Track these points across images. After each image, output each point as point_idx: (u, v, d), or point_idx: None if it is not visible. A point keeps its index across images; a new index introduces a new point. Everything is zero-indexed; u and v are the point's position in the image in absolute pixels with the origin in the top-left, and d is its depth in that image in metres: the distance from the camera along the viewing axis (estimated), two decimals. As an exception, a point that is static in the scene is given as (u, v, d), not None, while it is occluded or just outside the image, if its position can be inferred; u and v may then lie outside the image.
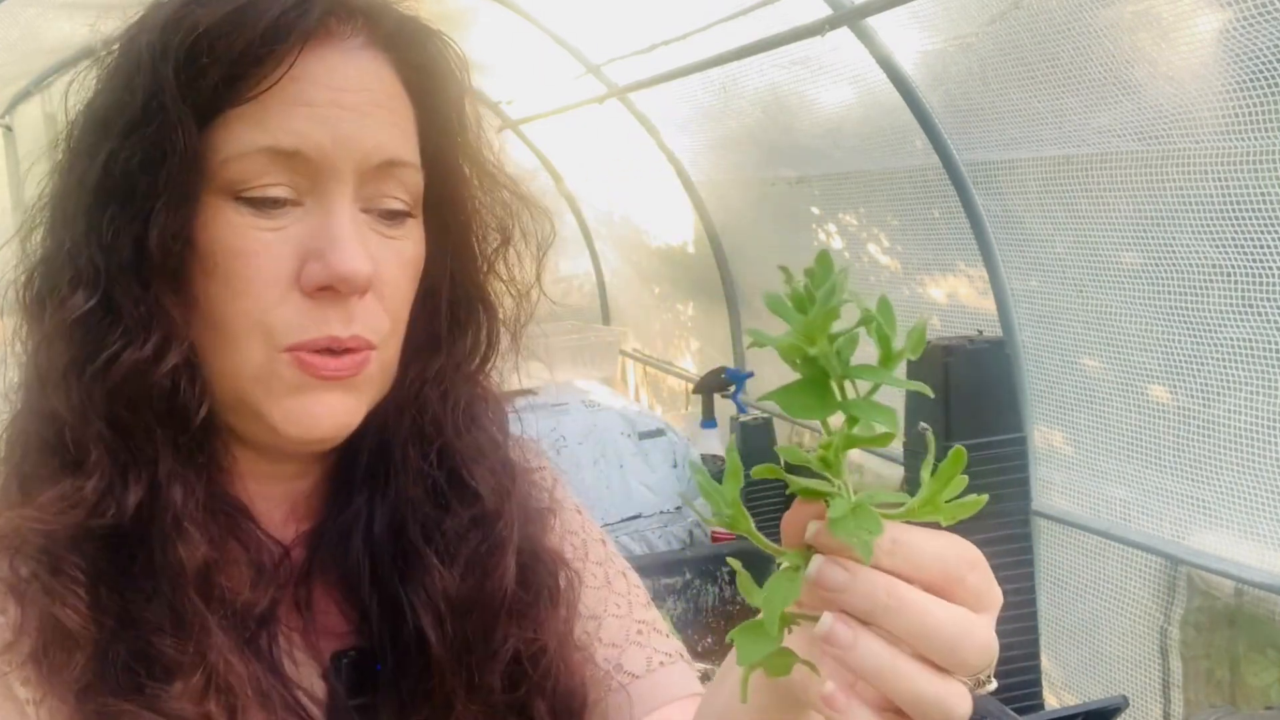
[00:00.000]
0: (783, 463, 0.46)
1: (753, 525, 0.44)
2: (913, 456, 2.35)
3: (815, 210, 3.30)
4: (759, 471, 0.46)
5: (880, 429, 0.43)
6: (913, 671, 0.41)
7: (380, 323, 0.65)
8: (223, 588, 0.63)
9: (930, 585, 0.43)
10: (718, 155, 3.72)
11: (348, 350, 0.64)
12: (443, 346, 0.73)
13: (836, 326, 0.42)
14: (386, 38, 0.66)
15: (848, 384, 0.43)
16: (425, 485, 0.71)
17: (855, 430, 0.43)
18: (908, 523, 0.44)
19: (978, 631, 0.42)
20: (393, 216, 0.66)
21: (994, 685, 0.45)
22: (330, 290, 0.62)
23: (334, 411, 0.64)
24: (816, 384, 0.42)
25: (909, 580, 0.42)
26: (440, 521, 0.71)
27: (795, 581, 0.43)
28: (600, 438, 2.89)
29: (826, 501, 0.43)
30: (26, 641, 0.58)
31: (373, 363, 0.65)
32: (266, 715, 0.62)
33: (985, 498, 0.45)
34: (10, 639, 0.58)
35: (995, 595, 0.45)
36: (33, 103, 4.09)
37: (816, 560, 0.43)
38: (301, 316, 0.62)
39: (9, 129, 4.08)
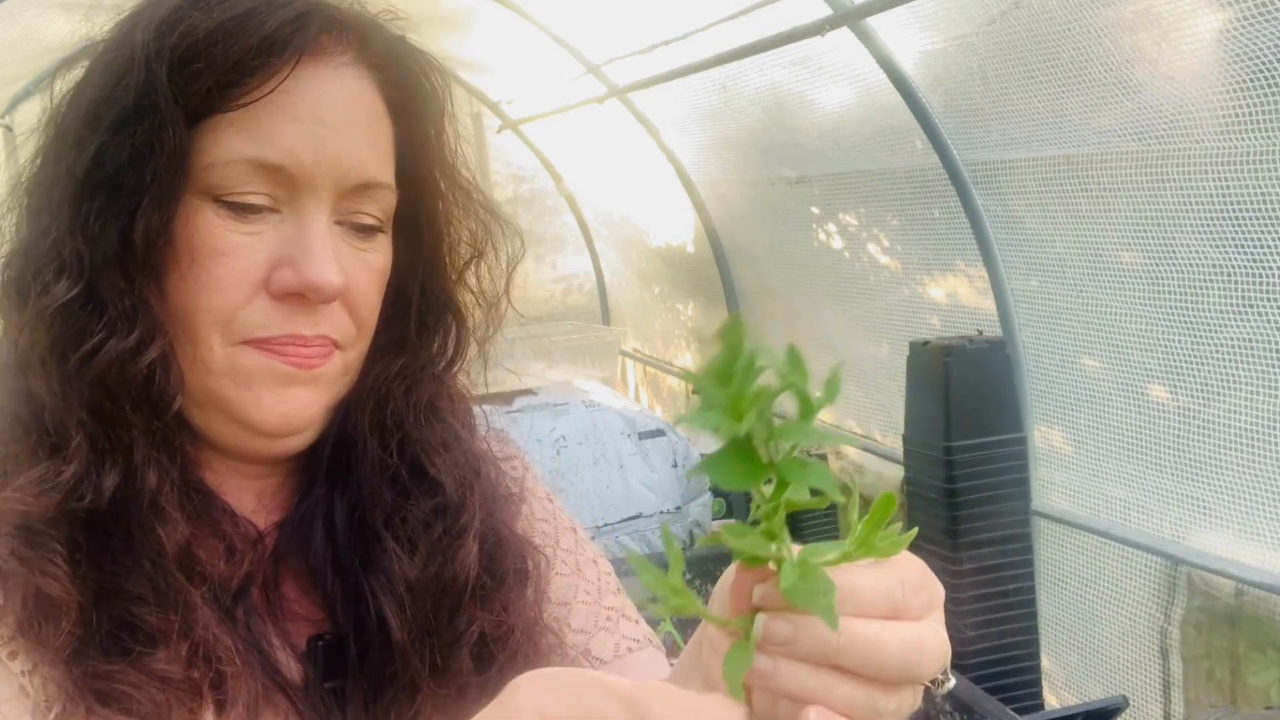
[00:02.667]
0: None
1: (701, 605, 0.45)
2: (912, 457, 2.35)
3: (815, 210, 3.30)
4: (705, 542, 0.47)
5: (815, 489, 0.43)
6: (863, 696, 0.43)
7: (346, 327, 0.68)
8: (203, 563, 0.64)
9: (878, 616, 0.44)
10: (718, 155, 3.72)
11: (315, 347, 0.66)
12: (409, 348, 0.75)
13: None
14: (374, 57, 0.68)
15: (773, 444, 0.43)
16: (386, 475, 0.73)
17: (789, 494, 0.43)
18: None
19: (928, 645, 0.44)
20: (364, 230, 0.68)
21: (952, 683, 0.47)
22: (299, 297, 0.64)
23: (300, 402, 0.66)
24: (743, 450, 0.43)
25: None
26: (401, 510, 0.72)
27: (748, 649, 0.44)
28: (600, 438, 2.89)
29: (775, 566, 0.44)
30: (12, 616, 0.59)
31: (336, 360, 0.68)
32: (250, 685, 0.63)
33: (915, 531, 0.46)
34: None
35: (938, 596, 0.46)
36: (33, 103, 4.09)
37: (760, 619, 0.44)
38: (264, 315, 0.64)
39: (9, 129, 4.08)
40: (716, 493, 3.05)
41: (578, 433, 2.88)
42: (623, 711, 0.41)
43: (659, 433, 2.97)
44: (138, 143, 0.61)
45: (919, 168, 2.60)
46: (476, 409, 0.81)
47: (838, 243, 3.23)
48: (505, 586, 0.74)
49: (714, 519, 3.01)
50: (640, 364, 5.24)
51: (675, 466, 2.95)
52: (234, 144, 0.62)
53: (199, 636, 0.61)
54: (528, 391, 3.01)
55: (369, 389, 0.73)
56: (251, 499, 0.72)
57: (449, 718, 0.70)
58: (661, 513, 2.88)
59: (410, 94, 0.70)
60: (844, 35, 2.44)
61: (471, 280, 0.77)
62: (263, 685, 0.64)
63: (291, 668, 0.67)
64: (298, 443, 0.69)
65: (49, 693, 0.58)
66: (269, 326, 0.64)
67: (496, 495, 0.78)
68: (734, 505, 2.93)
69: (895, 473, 2.97)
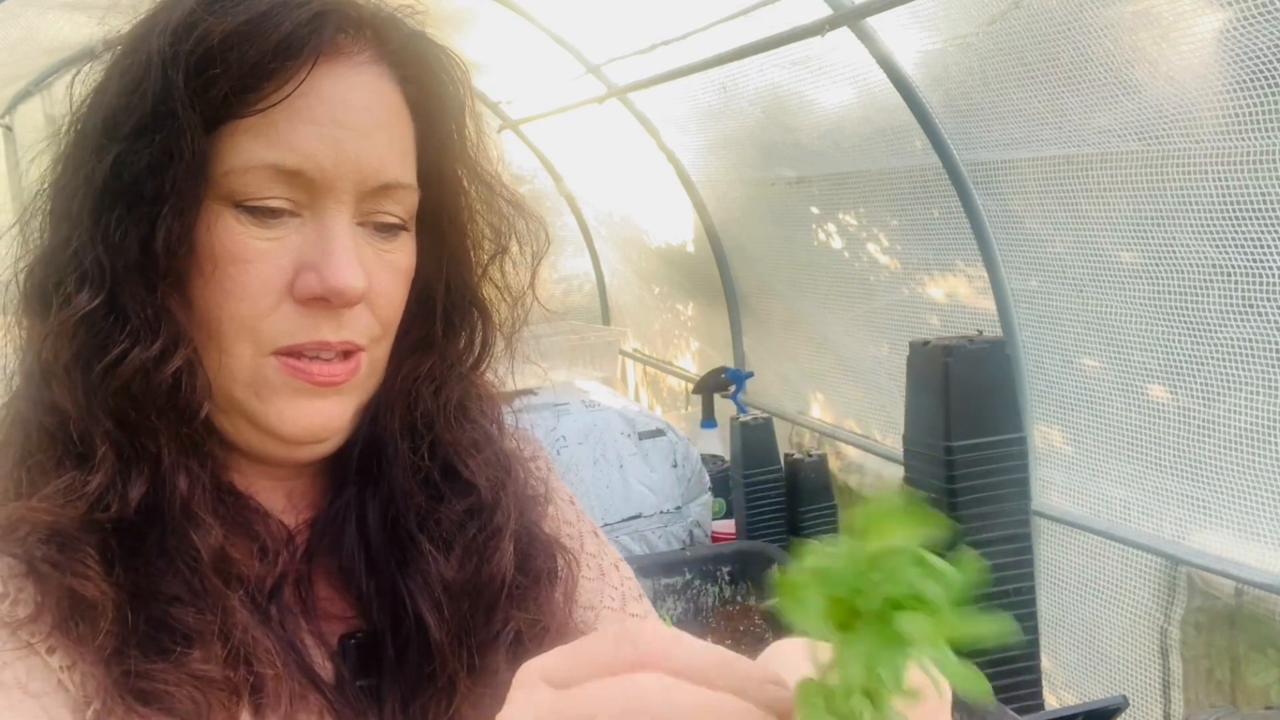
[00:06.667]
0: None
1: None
2: (912, 457, 2.35)
3: (815, 210, 3.30)
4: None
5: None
6: None
7: (370, 327, 0.67)
8: (238, 565, 0.65)
9: None
10: (718, 155, 3.72)
11: (340, 354, 0.66)
12: (436, 347, 0.75)
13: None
14: (393, 54, 0.68)
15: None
16: (418, 477, 0.73)
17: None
18: None
19: None
20: (387, 230, 0.68)
21: None
22: (323, 301, 0.64)
23: (325, 415, 0.66)
24: None
25: None
26: (435, 511, 0.72)
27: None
28: (600, 438, 2.89)
29: None
30: (49, 615, 0.59)
31: (363, 366, 0.68)
32: (288, 687, 0.63)
33: None
34: (33, 612, 0.59)
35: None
36: (33, 103, 4.08)
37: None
38: (291, 323, 0.64)
39: (9, 129, 4.08)
40: (716, 493, 3.04)
41: (578, 433, 2.88)
42: (613, 642, 0.39)
43: (659, 433, 2.97)
44: (156, 150, 0.60)
45: (919, 168, 2.60)
46: (505, 407, 0.81)
47: (838, 243, 3.23)
48: (539, 586, 0.74)
49: (714, 519, 3.01)
50: (640, 364, 5.23)
51: (675, 466, 2.95)
52: (252, 149, 0.62)
53: (237, 639, 0.61)
54: (528, 391, 3.00)
55: (398, 391, 0.73)
56: (281, 499, 0.72)
57: (485, 716, 0.70)
58: (661, 513, 2.88)
59: (430, 90, 0.70)
60: (844, 35, 2.44)
61: (496, 275, 0.77)
62: (297, 684, 0.64)
63: (325, 667, 0.68)
64: (325, 448, 0.69)
65: (88, 690, 0.58)
66: (295, 334, 0.64)
67: (525, 495, 0.78)
68: (734, 505, 2.93)
69: (895, 473, 2.97)
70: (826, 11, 2.40)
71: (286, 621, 0.67)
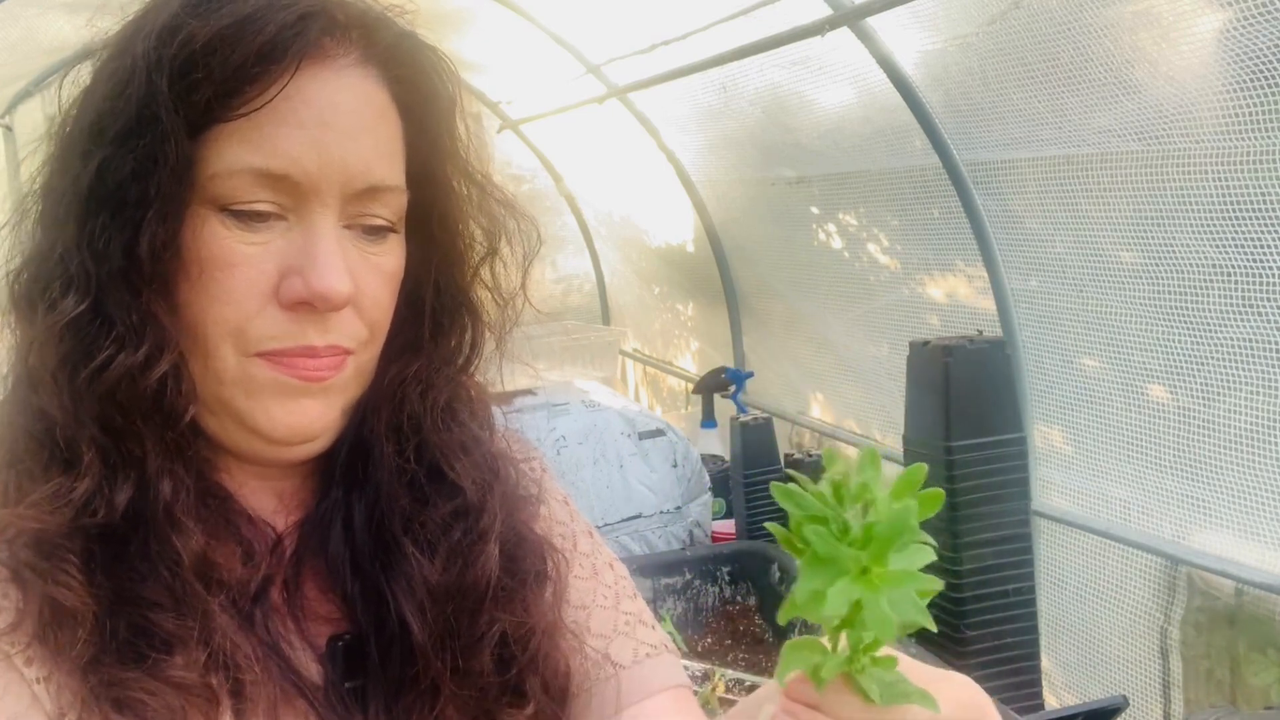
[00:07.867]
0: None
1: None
2: (912, 457, 2.35)
3: (815, 210, 3.30)
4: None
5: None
6: None
7: (358, 331, 0.67)
8: (221, 569, 0.64)
9: None
10: (718, 155, 3.72)
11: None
12: (424, 349, 0.75)
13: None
14: (380, 55, 0.67)
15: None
16: (404, 480, 0.73)
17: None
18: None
19: None
20: (375, 232, 0.67)
21: None
22: (308, 305, 0.63)
23: (311, 414, 0.66)
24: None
25: None
26: (420, 514, 0.72)
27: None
28: (600, 438, 2.89)
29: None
30: (29, 623, 0.59)
31: (349, 366, 0.67)
32: (269, 690, 0.63)
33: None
34: (14, 620, 0.59)
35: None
36: (33, 103, 4.08)
37: (766, 711, 0.46)
38: (277, 327, 0.63)
39: (9, 129, 4.08)
40: (716, 493, 3.04)
41: (578, 433, 2.88)
42: None
43: (659, 433, 2.97)
44: (141, 155, 0.60)
45: (919, 168, 2.60)
46: (496, 409, 0.82)
47: (838, 243, 3.23)
48: (526, 587, 0.74)
49: (714, 519, 3.00)
50: (640, 364, 5.23)
51: (675, 466, 2.95)
52: (237, 154, 0.61)
53: (217, 644, 0.61)
54: (527, 391, 3.00)
55: (385, 392, 0.72)
56: (272, 499, 0.71)
57: (470, 718, 0.70)
58: (661, 512, 2.88)
59: (419, 91, 0.69)
60: (844, 35, 2.44)
61: (486, 276, 0.76)
62: (280, 688, 0.64)
63: (311, 668, 0.68)
64: (313, 448, 0.69)
65: (63, 701, 0.58)
66: (281, 338, 0.63)
67: (516, 495, 0.78)
68: (734, 505, 2.93)
69: (895, 473, 2.96)
70: (826, 11, 2.40)
71: (271, 624, 0.67)
